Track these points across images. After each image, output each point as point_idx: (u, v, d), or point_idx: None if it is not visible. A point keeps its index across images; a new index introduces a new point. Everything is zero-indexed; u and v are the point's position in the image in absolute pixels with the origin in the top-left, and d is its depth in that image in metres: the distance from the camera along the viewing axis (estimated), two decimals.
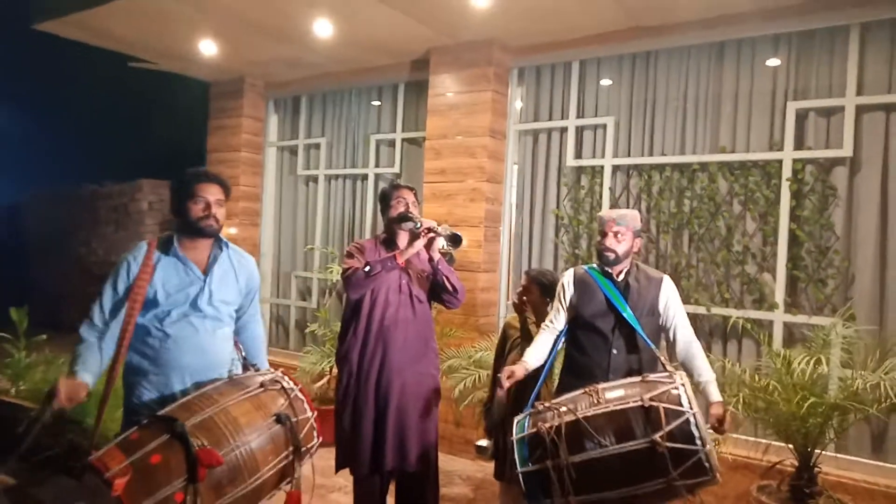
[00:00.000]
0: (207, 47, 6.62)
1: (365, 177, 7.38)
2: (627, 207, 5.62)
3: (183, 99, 9.68)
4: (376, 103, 7.41)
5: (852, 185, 4.80)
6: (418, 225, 3.49)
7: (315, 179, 7.85)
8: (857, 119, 4.72)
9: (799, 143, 4.97)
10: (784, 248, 4.94)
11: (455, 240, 3.50)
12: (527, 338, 3.74)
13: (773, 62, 5.17)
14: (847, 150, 4.73)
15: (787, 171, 4.95)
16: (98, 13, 5.70)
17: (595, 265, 3.43)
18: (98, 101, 13.13)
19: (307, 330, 6.92)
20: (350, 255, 3.67)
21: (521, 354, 3.50)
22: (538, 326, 3.63)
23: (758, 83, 5.21)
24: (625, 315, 3.23)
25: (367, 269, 3.44)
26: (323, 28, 5.80)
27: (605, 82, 5.92)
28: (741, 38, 5.20)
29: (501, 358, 3.98)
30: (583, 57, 5.94)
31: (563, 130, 6.08)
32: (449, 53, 6.24)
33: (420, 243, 3.49)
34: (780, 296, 4.95)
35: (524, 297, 3.93)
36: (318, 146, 7.81)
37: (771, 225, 5.05)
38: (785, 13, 4.88)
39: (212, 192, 2.90)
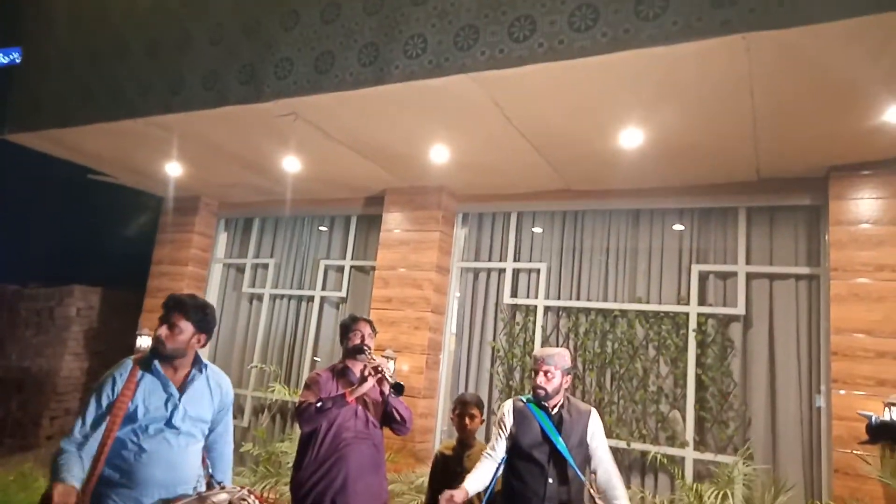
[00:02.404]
0: (173, 168, 7.01)
1: (311, 298, 7.70)
2: (557, 345, 6.21)
3: (129, 208, 9.84)
4: (324, 229, 7.90)
5: (746, 339, 5.60)
6: (371, 358, 3.84)
7: (260, 298, 8.08)
8: (747, 283, 5.63)
9: (702, 300, 5.80)
10: (692, 391, 5.59)
11: (398, 389, 3.80)
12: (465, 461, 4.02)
13: (679, 227, 6.11)
14: (740, 309, 5.57)
15: (692, 323, 5.72)
16: (75, 132, 6.05)
17: (532, 397, 3.84)
18: (32, 200, 12.95)
19: (241, 449, 6.85)
20: (307, 387, 3.94)
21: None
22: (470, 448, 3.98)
23: (667, 245, 6.11)
24: (559, 446, 3.62)
25: (318, 405, 3.72)
26: (291, 164, 6.36)
27: (539, 230, 6.71)
28: (653, 208, 6.14)
29: (436, 484, 4.15)
30: (521, 209, 6.75)
31: (502, 271, 6.74)
32: (403, 195, 6.92)
33: (368, 385, 3.80)
34: (690, 434, 5.52)
35: (470, 421, 4.23)
36: (266, 266, 8.13)
37: (681, 369, 5.73)
38: (687, 191, 5.88)
39: (173, 318, 3.11)
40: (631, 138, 4.91)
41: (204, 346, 3.19)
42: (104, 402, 3.01)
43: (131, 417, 3.02)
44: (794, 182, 5.46)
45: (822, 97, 4.07)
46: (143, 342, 7.40)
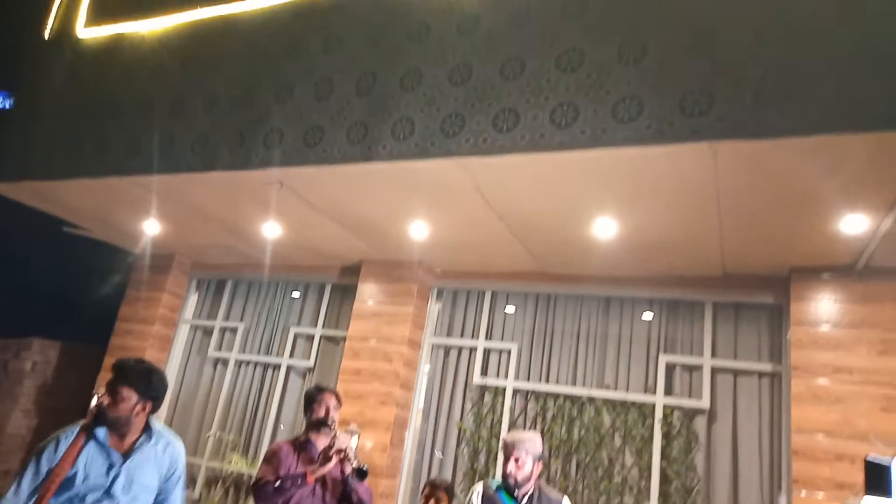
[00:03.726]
0: (151, 226, 7.01)
1: (277, 366, 7.57)
2: (525, 428, 6.15)
3: (100, 262, 9.70)
4: (297, 295, 7.87)
5: (710, 433, 5.64)
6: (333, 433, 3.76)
7: (225, 362, 7.93)
8: (712, 377, 5.73)
9: (668, 390, 5.86)
10: (656, 484, 5.56)
11: (360, 474, 3.70)
12: None
13: (648, 316, 6.24)
14: (705, 403, 5.64)
15: (658, 414, 5.75)
16: (58, 185, 6.07)
17: (502, 483, 3.80)
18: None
19: None
20: (266, 461, 3.81)
21: None
22: None
23: (636, 333, 6.22)
24: None
25: (277, 483, 3.60)
26: (271, 229, 6.42)
27: (512, 310, 6.79)
28: (624, 296, 6.29)
29: None
30: (495, 288, 6.85)
31: (473, 349, 6.75)
32: (379, 266, 6.98)
33: (330, 465, 3.71)
34: None
35: None
36: (234, 330, 8.02)
37: (646, 461, 5.71)
38: (657, 282, 6.05)
39: (116, 386, 3.03)
40: (604, 228, 5.09)
41: (152, 412, 3.11)
42: (43, 467, 2.89)
43: (69, 485, 2.88)
44: (757, 280, 5.67)
45: (784, 203, 4.31)
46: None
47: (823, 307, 5.20)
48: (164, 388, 3.22)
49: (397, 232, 6.01)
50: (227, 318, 8.18)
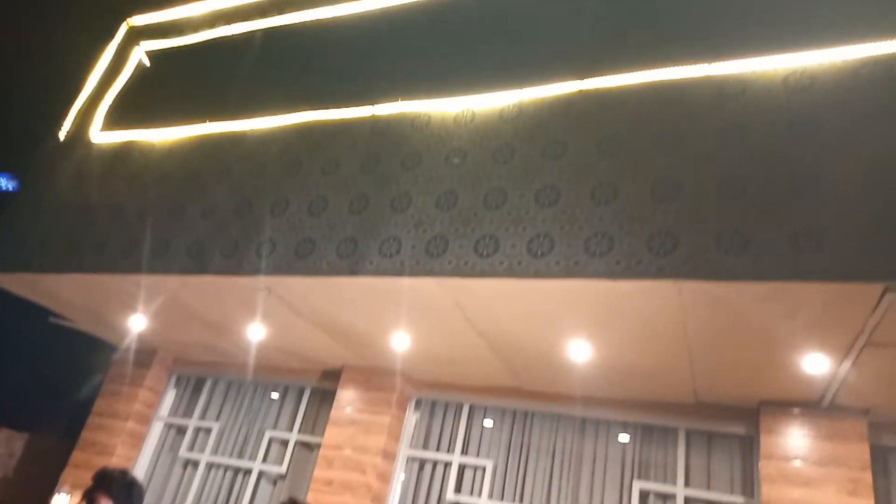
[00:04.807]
0: (137, 321, 7.10)
1: (249, 471, 7.42)
2: None
3: (76, 355, 9.66)
4: (276, 396, 7.83)
5: None
6: None
7: (196, 464, 7.75)
8: None
9: None
10: None
11: None
12: None
13: (623, 438, 6.26)
14: None
15: None
16: (52, 278, 6.23)
17: None
18: None
19: None
20: None
21: None
22: None
23: (611, 455, 6.23)
24: None
25: None
26: (256, 332, 6.53)
27: (490, 424, 6.79)
28: (599, 417, 6.35)
29: None
30: (473, 402, 6.89)
31: (448, 464, 6.69)
32: (360, 373, 7.04)
33: None
34: None
35: None
36: (208, 430, 7.90)
37: None
38: (632, 406, 6.14)
39: (95, 494, 3.06)
40: (579, 351, 5.25)
41: None
42: None
43: None
44: (728, 410, 5.77)
45: (747, 341, 4.52)
46: (60, 502, 6.92)
47: (793, 442, 5.28)
48: (142, 502, 3.24)
49: (379, 341, 6.14)
50: (203, 416, 8.08)
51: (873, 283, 3.55)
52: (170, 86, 7.05)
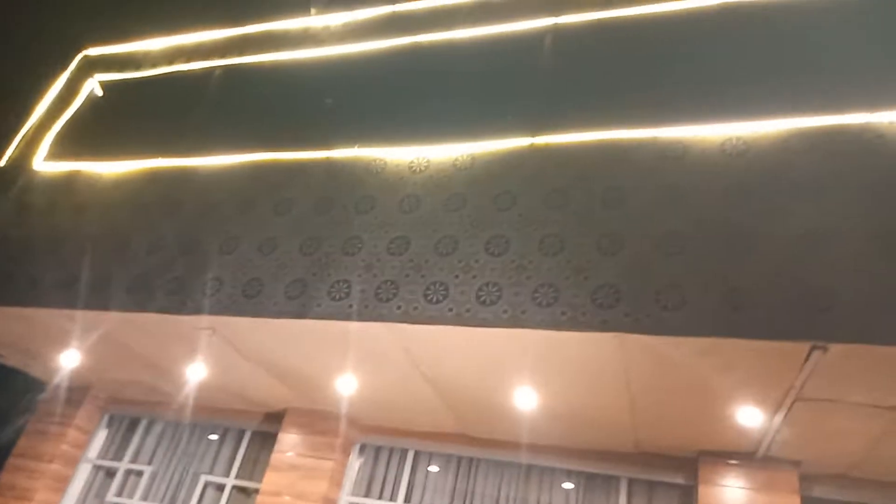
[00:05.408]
0: (69, 357, 6.79)
1: None
2: None
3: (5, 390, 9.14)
4: (214, 437, 7.55)
5: None
6: None
7: None
8: None
9: None
10: None
11: None
12: None
13: (568, 486, 6.28)
14: None
15: None
16: None
17: None
18: None
19: None
20: None
21: None
22: None
23: (555, 502, 6.21)
24: None
25: None
26: (196, 372, 6.33)
27: (434, 470, 6.70)
28: (544, 465, 6.36)
29: None
30: (418, 448, 6.81)
31: None
32: (303, 416, 6.88)
33: None
34: None
35: None
36: (140, 474, 7.54)
37: None
38: (576, 455, 6.18)
39: None
40: (525, 399, 5.29)
41: None
42: None
43: None
44: (669, 460, 5.88)
45: (686, 393, 4.66)
46: None
47: (731, 493, 5.41)
48: None
49: (325, 385, 6.04)
50: (134, 459, 7.72)
51: (801, 342, 3.73)
52: (122, 118, 6.94)
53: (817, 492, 5.48)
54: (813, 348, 3.75)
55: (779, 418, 4.66)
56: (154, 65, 7.14)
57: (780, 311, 3.78)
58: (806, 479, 5.40)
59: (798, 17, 4.93)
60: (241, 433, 7.49)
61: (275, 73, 6.49)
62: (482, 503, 6.44)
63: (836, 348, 3.69)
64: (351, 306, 4.77)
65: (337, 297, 4.85)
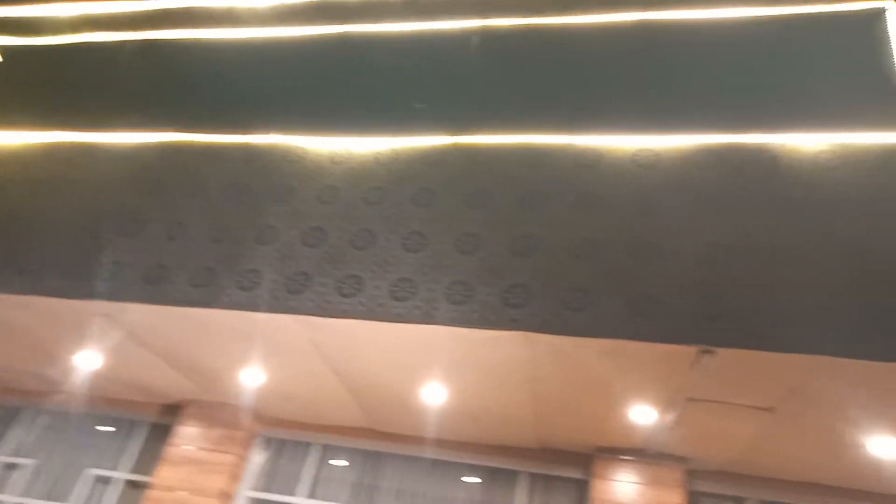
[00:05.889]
0: None
1: None
2: None
3: None
4: (104, 430, 7.13)
5: None
6: None
7: None
8: None
9: None
10: None
11: None
12: None
13: (471, 480, 6.40)
14: None
15: None
16: None
17: None
18: None
19: None
20: None
21: None
22: None
23: (458, 496, 6.33)
24: None
25: None
26: (90, 359, 5.96)
27: (340, 464, 6.64)
28: (448, 460, 6.45)
29: None
30: (325, 442, 6.73)
31: None
32: (203, 408, 6.63)
33: None
34: None
35: None
36: (22, 468, 7.01)
37: None
38: (480, 449, 6.33)
39: None
40: (433, 395, 5.34)
41: None
42: None
43: None
44: (567, 455, 6.12)
45: (587, 391, 4.86)
46: None
47: (622, 487, 5.70)
48: None
49: (229, 376, 5.85)
50: (16, 453, 7.17)
51: (693, 346, 3.98)
52: (21, 86, 6.40)
53: (701, 486, 5.87)
54: (703, 352, 4.00)
55: (670, 417, 4.96)
56: (58, 31, 6.63)
57: (677, 317, 4.02)
58: (691, 475, 5.78)
59: (710, 40, 5.23)
60: (135, 425, 7.13)
61: (194, 51, 6.19)
62: (386, 498, 6.45)
63: (723, 353, 3.96)
64: (260, 297, 4.65)
65: (246, 286, 4.71)
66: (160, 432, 6.95)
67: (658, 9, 5.46)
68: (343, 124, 5.28)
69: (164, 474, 6.33)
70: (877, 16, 5.16)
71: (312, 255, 4.74)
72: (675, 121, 4.81)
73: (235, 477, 6.43)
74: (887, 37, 5.04)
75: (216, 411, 6.60)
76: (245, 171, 5.25)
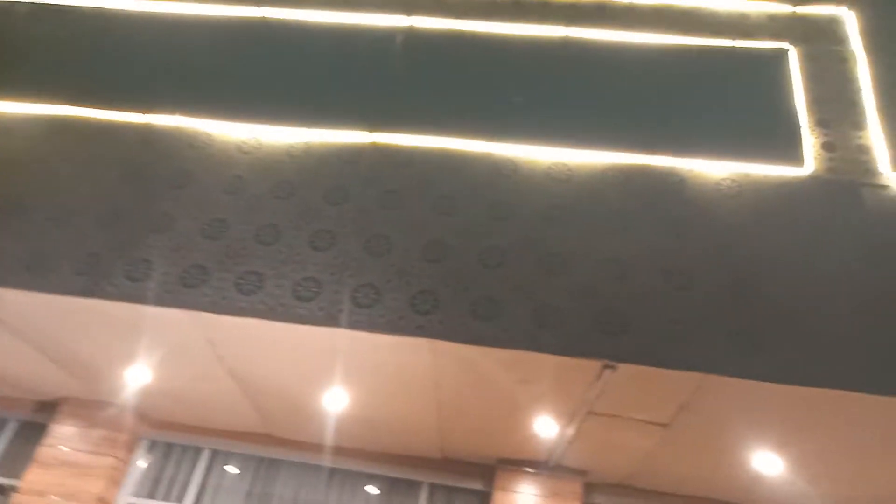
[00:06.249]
0: None
1: None
2: None
3: None
4: None
5: None
6: None
7: None
8: None
9: None
10: None
11: None
12: None
13: (371, 490, 6.22)
14: None
15: None
16: None
17: None
18: None
19: None
20: None
21: None
22: None
23: None
24: None
25: None
26: None
27: (231, 471, 6.28)
28: (348, 469, 6.24)
29: None
30: (216, 447, 6.35)
31: None
32: (82, 407, 6.12)
33: None
34: None
35: None
36: None
37: None
38: (381, 459, 6.15)
39: None
40: (335, 401, 5.14)
41: None
42: None
43: None
44: (470, 466, 6.06)
45: (491, 401, 4.81)
46: None
47: (521, 499, 5.69)
48: None
49: (112, 374, 5.41)
50: None
51: (595, 361, 4.00)
52: None
53: (598, 499, 5.95)
54: (605, 367, 4.04)
55: (571, 430, 4.98)
56: None
57: (580, 331, 4.04)
58: (589, 488, 5.85)
59: (630, 63, 5.37)
60: (5, 423, 6.49)
61: (93, 18, 5.73)
62: None
63: (623, 368, 4.00)
64: (151, 289, 4.31)
65: (135, 276, 4.36)
66: (32, 431, 6.35)
67: (582, 26, 5.55)
68: (255, 112, 5.02)
69: (33, 477, 5.77)
70: (780, 56, 5.45)
71: (211, 248, 4.45)
72: (590, 137, 4.88)
73: (115, 482, 5.96)
74: (789, 76, 5.34)
75: (96, 410, 6.09)
76: (142, 154, 4.88)
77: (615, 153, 4.80)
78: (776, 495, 5.38)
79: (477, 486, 6.07)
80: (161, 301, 4.28)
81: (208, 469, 6.32)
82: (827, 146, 4.88)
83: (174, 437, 6.36)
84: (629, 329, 4.01)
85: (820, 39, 5.45)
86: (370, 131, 4.96)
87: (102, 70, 5.41)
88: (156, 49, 5.52)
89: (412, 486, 6.20)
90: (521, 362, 4.16)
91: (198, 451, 6.38)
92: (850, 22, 5.54)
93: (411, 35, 5.54)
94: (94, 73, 5.39)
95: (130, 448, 6.17)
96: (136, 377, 5.32)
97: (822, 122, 4.99)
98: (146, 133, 4.99)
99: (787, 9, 5.68)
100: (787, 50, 5.46)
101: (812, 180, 4.72)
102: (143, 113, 5.06)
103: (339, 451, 6.18)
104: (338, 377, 4.84)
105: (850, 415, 4.06)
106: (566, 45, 5.41)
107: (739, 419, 4.40)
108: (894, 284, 4.17)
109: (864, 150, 4.86)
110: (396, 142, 4.94)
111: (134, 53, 5.48)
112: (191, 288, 4.30)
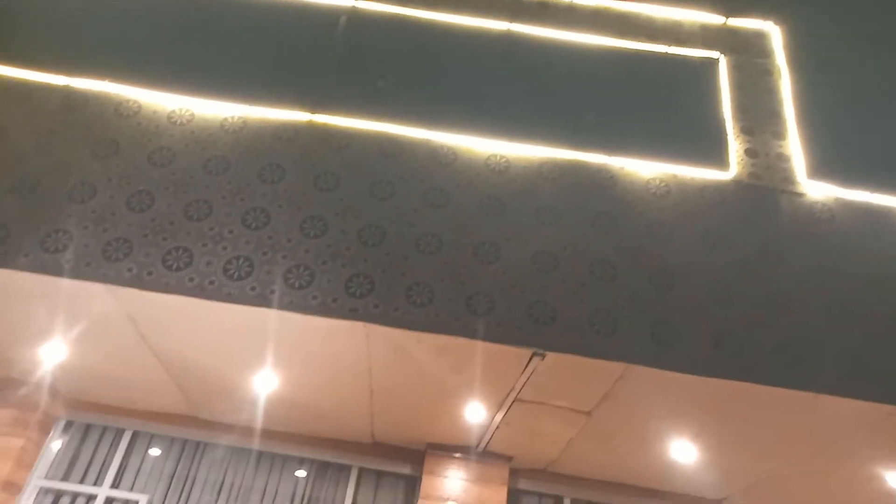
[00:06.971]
0: None
1: None
2: None
3: None
4: None
5: None
6: None
7: None
8: None
9: None
10: None
11: None
12: None
13: (300, 473, 6.16)
14: None
15: None
16: None
17: None
18: None
19: None
20: None
21: None
22: None
23: (283, 490, 6.04)
24: None
25: None
26: None
27: (155, 453, 6.08)
28: (277, 451, 6.15)
29: None
30: (138, 428, 6.13)
31: (92, 498, 5.79)
32: None
33: None
34: None
35: None
36: None
37: None
38: (310, 442, 6.08)
39: None
40: (264, 383, 5.05)
41: None
42: None
43: None
44: (399, 451, 6.08)
45: (423, 387, 4.84)
46: None
47: (451, 484, 5.75)
48: None
49: (24, 350, 5.12)
50: None
51: (524, 349, 4.09)
52: None
53: (522, 484, 6.09)
54: (534, 355, 4.13)
55: (499, 417, 5.08)
56: None
57: (511, 319, 4.11)
58: (514, 473, 5.98)
59: (569, 61, 5.47)
60: None
61: None
62: (202, 490, 6.01)
63: (551, 357, 4.11)
64: (69, 261, 4.10)
65: (52, 248, 4.14)
66: None
67: (525, 23, 5.61)
68: (188, 82, 4.84)
69: None
70: (711, 64, 5.68)
71: (136, 221, 4.28)
72: (528, 131, 4.95)
73: (25, 464, 5.67)
74: (718, 84, 5.57)
75: (6, 389, 5.76)
76: (62, 119, 4.62)
77: (551, 148, 4.89)
78: (689, 483, 5.67)
79: (406, 470, 6.10)
80: (79, 274, 4.08)
81: (129, 451, 6.10)
82: (750, 152, 5.13)
83: (93, 418, 6.10)
84: (558, 319, 4.11)
85: (748, 51, 5.70)
86: (310, 112, 4.87)
87: (22, 27, 5.08)
88: (84, 7, 5.22)
89: (342, 470, 6.17)
90: (454, 348, 4.20)
91: (119, 432, 6.14)
92: (777, 37, 5.82)
93: (355, 17, 5.46)
94: (11, 30, 5.06)
95: (44, 429, 5.88)
96: (51, 354, 5.07)
97: (746, 129, 5.24)
98: (67, 96, 4.73)
99: (719, 20, 5.92)
100: (718, 59, 5.69)
101: (735, 184, 4.95)
102: (66, 75, 4.79)
103: (267, 434, 6.08)
104: (268, 359, 4.75)
105: (758, 406, 4.31)
106: (508, 38, 5.45)
107: (659, 408, 4.60)
108: (797, 284, 4.44)
109: (783, 159, 5.13)
110: (335, 123, 4.87)
111: (59, 10, 5.17)
112: (113, 262, 4.12)
